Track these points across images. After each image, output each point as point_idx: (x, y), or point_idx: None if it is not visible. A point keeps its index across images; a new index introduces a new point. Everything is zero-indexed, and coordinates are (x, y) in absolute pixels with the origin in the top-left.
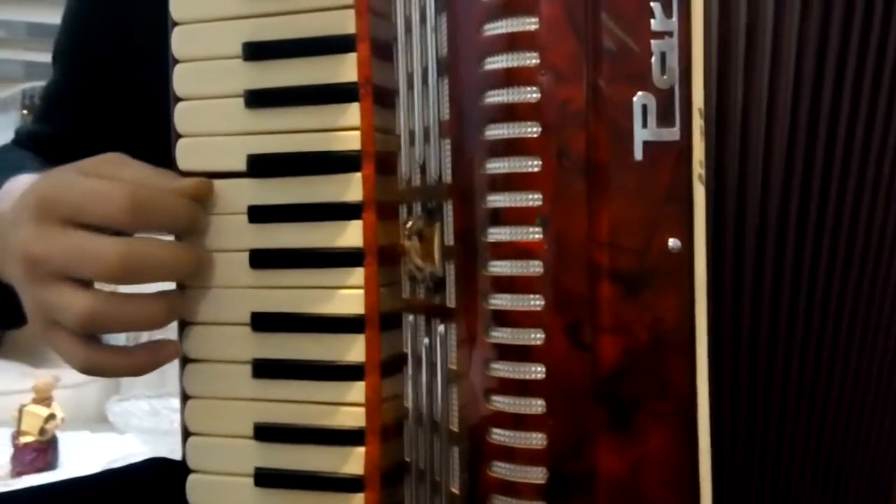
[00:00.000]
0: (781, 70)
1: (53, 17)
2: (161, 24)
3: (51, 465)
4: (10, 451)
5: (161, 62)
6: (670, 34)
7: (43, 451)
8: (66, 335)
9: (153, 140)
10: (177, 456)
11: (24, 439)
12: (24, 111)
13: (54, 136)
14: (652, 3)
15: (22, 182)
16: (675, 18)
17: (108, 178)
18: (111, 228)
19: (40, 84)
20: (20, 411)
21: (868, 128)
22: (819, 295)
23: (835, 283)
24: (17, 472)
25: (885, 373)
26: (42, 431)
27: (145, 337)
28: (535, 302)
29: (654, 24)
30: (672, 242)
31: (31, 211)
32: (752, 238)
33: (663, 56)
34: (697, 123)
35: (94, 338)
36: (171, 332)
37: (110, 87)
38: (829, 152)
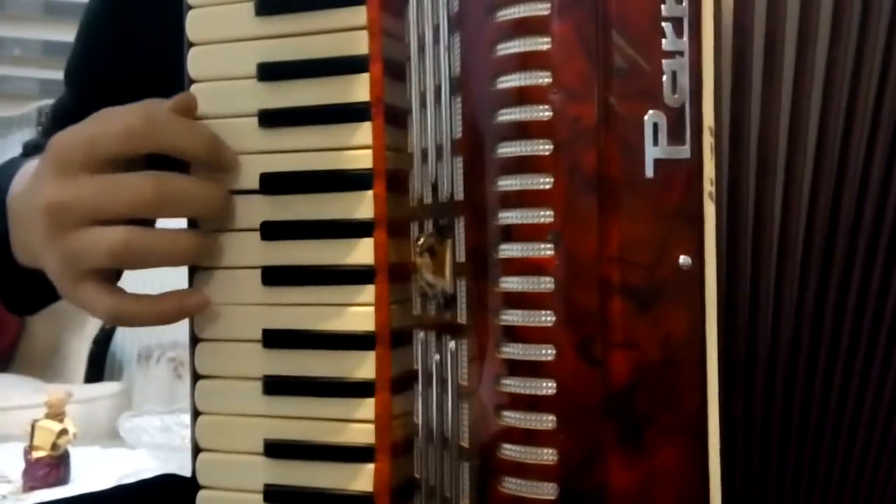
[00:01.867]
0: (805, 83)
1: (68, 35)
2: (170, 45)
3: (62, 480)
4: (22, 465)
5: (170, 83)
6: (681, 53)
7: (55, 467)
8: (95, 286)
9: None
10: (187, 472)
11: (36, 454)
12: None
13: None
14: (663, 23)
15: (34, 162)
16: (685, 38)
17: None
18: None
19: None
20: (33, 426)
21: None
22: (849, 312)
23: (868, 305)
24: (30, 487)
25: None
26: (54, 446)
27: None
28: (547, 318)
29: (666, 44)
30: (683, 259)
31: (52, 165)
32: (769, 255)
33: (674, 75)
34: (708, 142)
35: (121, 289)
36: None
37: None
38: (863, 171)
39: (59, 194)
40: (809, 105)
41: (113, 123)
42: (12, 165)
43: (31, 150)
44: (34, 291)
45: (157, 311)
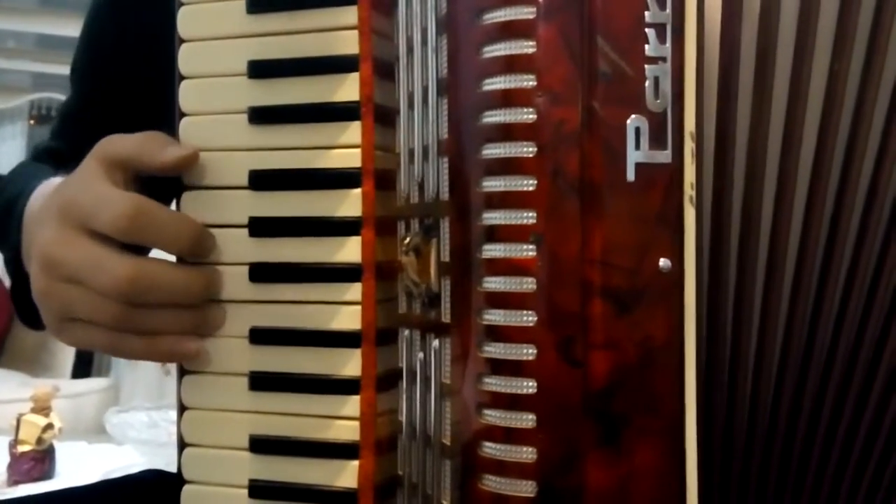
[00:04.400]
0: (800, 94)
1: (62, 28)
2: (171, 44)
3: (47, 474)
4: (6, 459)
5: (171, 77)
6: (664, 59)
7: (40, 461)
8: (81, 328)
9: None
10: (174, 468)
11: (21, 448)
12: (32, 121)
13: (69, 152)
14: (647, 29)
15: (53, 183)
16: (668, 44)
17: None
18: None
19: (48, 95)
20: (18, 420)
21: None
22: (823, 316)
23: (860, 315)
24: (14, 481)
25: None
26: (39, 441)
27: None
28: (528, 318)
29: (649, 50)
30: (663, 262)
31: (56, 213)
32: (754, 261)
33: (657, 80)
34: (689, 147)
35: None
36: None
37: (121, 104)
38: (841, 177)
39: (53, 249)
40: (805, 115)
41: (108, 208)
42: (27, 175)
43: (41, 153)
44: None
45: (153, 349)
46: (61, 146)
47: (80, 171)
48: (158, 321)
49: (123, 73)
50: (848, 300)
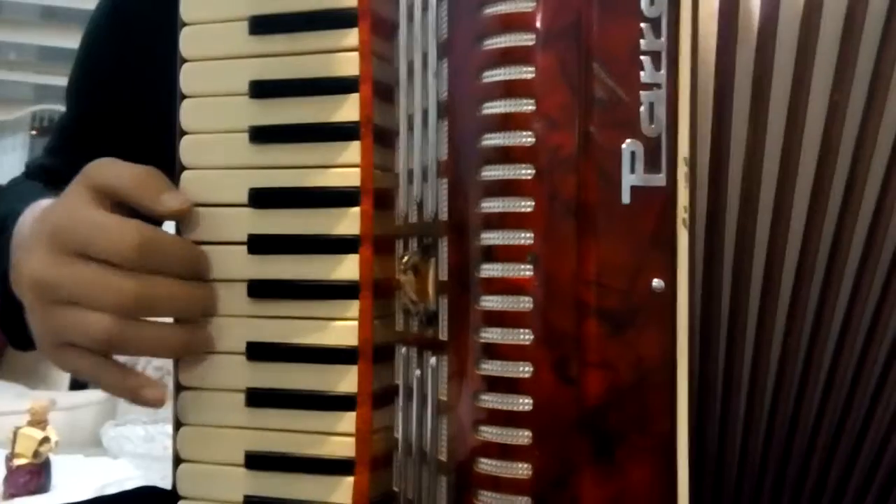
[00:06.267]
0: (797, 123)
1: (64, 41)
2: (171, 62)
3: (43, 487)
4: (2, 472)
5: (170, 97)
6: (659, 86)
7: (36, 474)
8: (75, 354)
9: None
10: (169, 482)
11: (17, 461)
12: (34, 132)
13: (63, 169)
14: (642, 57)
15: (41, 207)
16: (663, 71)
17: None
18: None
19: (50, 107)
20: (15, 433)
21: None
22: (821, 336)
23: (857, 338)
24: (10, 494)
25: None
26: (36, 454)
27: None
28: (525, 336)
29: (644, 76)
30: (656, 283)
31: (46, 239)
32: (747, 284)
33: (651, 106)
34: (683, 171)
35: (102, 358)
36: None
37: (119, 122)
38: (842, 202)
39: (47, 273)
40: (802, 143)
41: (108, 236)
42: (16, 194)
43: (33, 171)
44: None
45: (135, 387)
46: (57, 164)
47: (67, 195)
48: (153, 336)
49: (120, 93)
50: (849, 321)
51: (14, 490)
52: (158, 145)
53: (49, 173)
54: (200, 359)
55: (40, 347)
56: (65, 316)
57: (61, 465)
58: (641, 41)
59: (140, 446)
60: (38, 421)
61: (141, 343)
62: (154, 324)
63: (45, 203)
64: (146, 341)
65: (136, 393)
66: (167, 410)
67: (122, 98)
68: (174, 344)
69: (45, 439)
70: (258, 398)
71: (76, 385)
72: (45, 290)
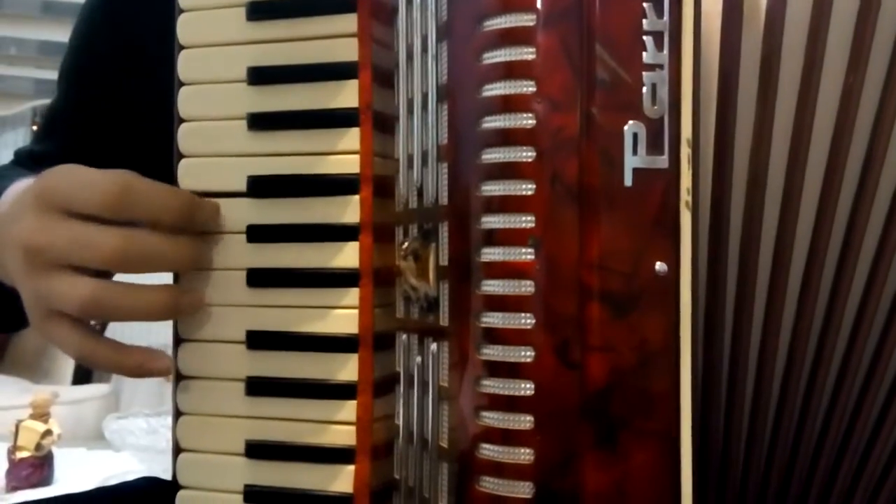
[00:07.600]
0: (808, 104)
1: (65, 35)
2: (166, 48)
3: (46, 480)
4: (5, 465)
5: (164, 84)
6: (661, 67)
7: (39, 467)
8: (66, 325)
9: (153, 160)
10: (171, 475)
11: (20, 454)
12: (34, 127)
13: (53, 155)
14: (644, 37)
15: (21, 185)
16: (665, 52)
17: None
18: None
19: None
20: (17, 426)
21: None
22: (834, 321)
23: (866, 327)
24: (13, 487)
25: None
26: (38, 447)
27: None
28: (526, 321)
29: (646, 57)
30: (659, 266)
31: (31, 202)
32: (753, 265)
33: (654, 87)
34: (685, 152)
35: (91, 330)
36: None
37: (112, 109)
38: (859, 184)
39: (35, 236)
40: (813, 127)
41: (91, 188)
42: (3, 177)
43: (23, 158)
44: (19, 309)
45: (122, 362)
46: (47, 149)
47: (18, 200)
48: (141, 297)
49: (114, 79)
50: (865, 306)
51: (16, 483)
52: (152, 127)
53: (38, 159)
54: (200, 347)
55: (31, 321)
56: (52, 281)
57: (64, 459)
58: (644, 21)
59: (143, 439)
60: (40, 414)
61: (129, 305)
62: (142, 285)
63: (24, 181)
64: (135, 303)
65: (141, 367)
66: (170, 403)
67: (114, 84)
68: (163, 304)
69: (48, 432)
70: (258, 387)
71: (79, 379)
72: (33, 255)
